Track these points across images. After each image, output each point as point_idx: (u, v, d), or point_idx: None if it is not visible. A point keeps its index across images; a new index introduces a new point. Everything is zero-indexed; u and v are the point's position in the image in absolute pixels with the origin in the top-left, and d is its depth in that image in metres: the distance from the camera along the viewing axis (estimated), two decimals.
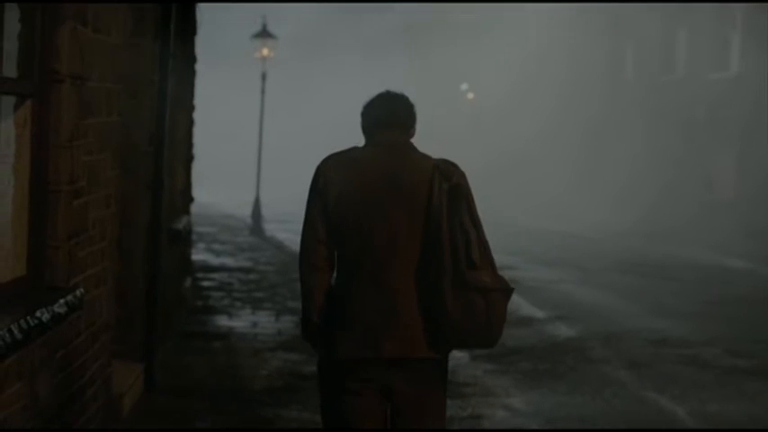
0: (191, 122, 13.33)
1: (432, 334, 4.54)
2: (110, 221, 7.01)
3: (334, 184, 4.65)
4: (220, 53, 41.32)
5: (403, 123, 4.82)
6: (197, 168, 24.08)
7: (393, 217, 4.59)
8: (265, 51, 25.11)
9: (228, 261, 17.58)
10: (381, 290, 4.56)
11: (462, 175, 4.64)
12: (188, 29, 12.25)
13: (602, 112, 32.84)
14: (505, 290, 4.55)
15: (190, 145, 13.35)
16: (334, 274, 4.71)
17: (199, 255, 18.23)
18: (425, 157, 4.74)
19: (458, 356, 11.07)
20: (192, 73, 13.33)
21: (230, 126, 46.76)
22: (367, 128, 4.85)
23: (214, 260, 17.81)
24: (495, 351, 11.26)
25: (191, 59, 12.95)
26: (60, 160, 5.84)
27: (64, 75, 5.79)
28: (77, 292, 5.98)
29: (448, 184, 4.58)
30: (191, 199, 14.20)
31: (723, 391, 9.84)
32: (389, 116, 4.80)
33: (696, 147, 29.35)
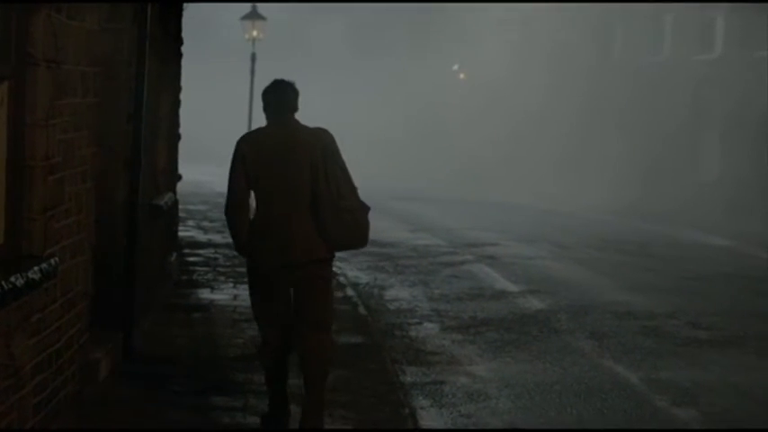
0: (176, 102, 13.72)
1: (320, 244, 6.85)
2: (86, 196, 7.46)
3: (249, 152, 6.90)
4: (213, 34, 41.56)
5: (291, 105, 7.00)
6: (191, 147, 24.34)
7: (289, 170, 6.83)
8: (255, 33, 25.54)
9: (216, 238, 18.00)
10: (286, 220, 6.82)
11: (331, 138, 6.93)
12: (172, 12, 12.65)
13: (592, 92, 33.21)
14: (364, 208, 6.91)
15: (175, 124, 13.73)
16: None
17: (188, 232, 18.66)
18: (306, 128, 7.02)
19: (428, 327, 11.58)
20: (178, 54, 13.72)
21: (225, 106, 47.11)
22: (266, 109, 7.03)
23: (202, 237, 18.24)
24: (464, 322, 11.83)
25: (175, 41, 13.32)
26: (36, 138, 6.29)
27: (39, 58, 6.23)
28: (52, 261, 6.44)
29: (322, 144, 6.87)
30: (177, 177, 14.62)
31: (677, 359, 10.32)
32: (282, 101, 6.99)
33: (682, 127, 29.76)
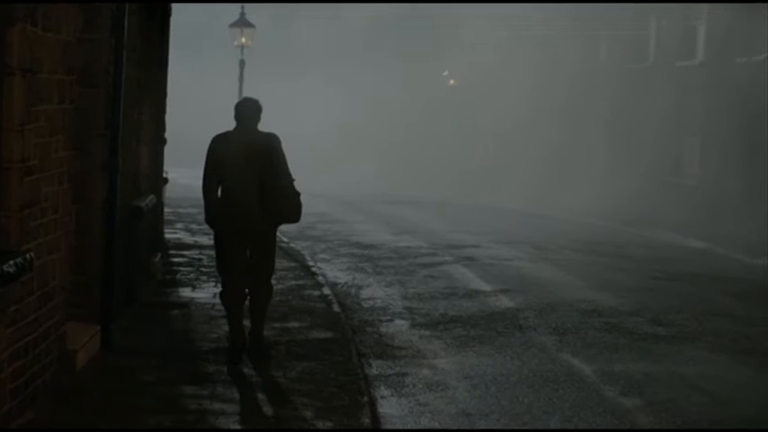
0: (160, 109, 14.16)
1: (264, 219, 9.20)
2: (63, 196, 7.96)
3: (218, 149, 9.27)
4: (207, 39, 41.90)
5: (253, 116, 9.39)
6: (187, 152, 24.66)
7: (246, 165, 9.12)
8: (243, 40, 26.04)
9: (202, 240, 18.43)
10: (241, 201, 9.14)
11: (277, 140, 9.27)
12: (155, 22, 13.14)
13: (577, 97, 33.69)
14: (297, 193, 9.23)
15: (159, 129, 14.19)
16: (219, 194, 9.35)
17: (175, 234, 19.14)
18: (260, 132, 9.35)
19: (399, 324, 12.07)
20: (162, 63, 14.18)
21: (222, 112, 47.52)
22: (235, 118, 9.39)
23: (189, 239, 18.70)
24: (434, 319, 12.31)
25: (159, 50, 13.80)
26: (12, 142, 6.80)
27: (15, 68, 6.74)
28: (27, 256, 6.94)
29: (269, 145, 9.22)
30: (162, 180, 15.09)
31: (632, 353, 10.81)
32: (246, 112, 9.40)
33: (664, 132, 30.27)
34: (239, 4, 26.85)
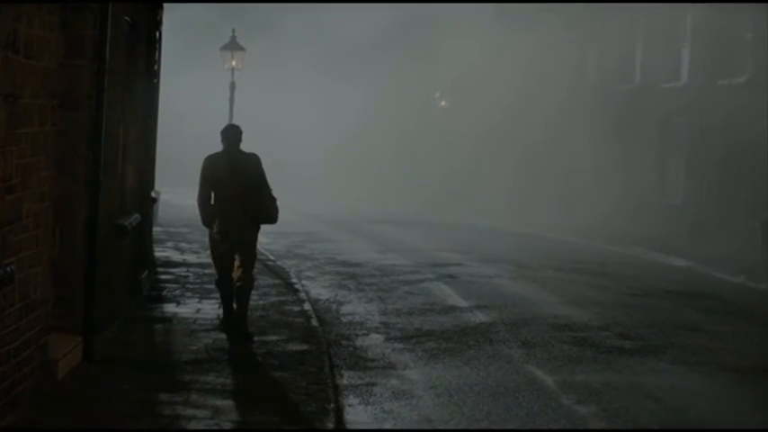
0: (148, 130, 14.62)
1: (248, 221, 11.45)
2: (44, 214, 8.42)
3: (210, 167, 11.57)
4: (199, 57, 42.26)
5: (238, 139, 11.70)
6: (186, 173, 25.07)
7: (232, 178, 11.40)
8: (234, 62, 26.52)
9: (191, 258, 18.91)
10: (229, 207, 11.43)
11: (258, 159, 11.59)
12: (140, 48, 13.62)
13: (564, 117, 34.14)
14: (273, 200, 11.58)
15: (148, 150, 14.65)
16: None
17: (165, 252, 19.59)
18: (244, 152, 11.60)
19: (374, 338, 12.52)
20: (150, 86, 14.64)
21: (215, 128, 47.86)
22: (222, 141, 11.73)
23: (178, 257, 19.15)
24: (408, 333, 12.76)
25: (146, 72, 14.26)
26: None
27: None
28: (8, 269, 7.39)
29: (251, 163, 11.50)
30: (150, 199, 15.53)
31: (595, 365, 11.26)
32: (232, 136, 11.72)
33: (649, 152, 30.76)
34: (231, 26, 27.41)
